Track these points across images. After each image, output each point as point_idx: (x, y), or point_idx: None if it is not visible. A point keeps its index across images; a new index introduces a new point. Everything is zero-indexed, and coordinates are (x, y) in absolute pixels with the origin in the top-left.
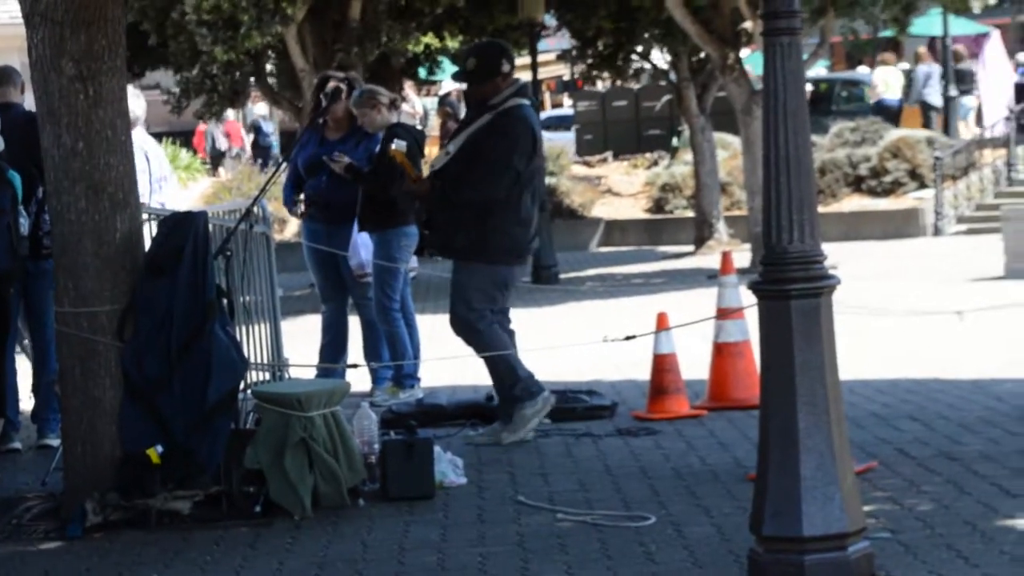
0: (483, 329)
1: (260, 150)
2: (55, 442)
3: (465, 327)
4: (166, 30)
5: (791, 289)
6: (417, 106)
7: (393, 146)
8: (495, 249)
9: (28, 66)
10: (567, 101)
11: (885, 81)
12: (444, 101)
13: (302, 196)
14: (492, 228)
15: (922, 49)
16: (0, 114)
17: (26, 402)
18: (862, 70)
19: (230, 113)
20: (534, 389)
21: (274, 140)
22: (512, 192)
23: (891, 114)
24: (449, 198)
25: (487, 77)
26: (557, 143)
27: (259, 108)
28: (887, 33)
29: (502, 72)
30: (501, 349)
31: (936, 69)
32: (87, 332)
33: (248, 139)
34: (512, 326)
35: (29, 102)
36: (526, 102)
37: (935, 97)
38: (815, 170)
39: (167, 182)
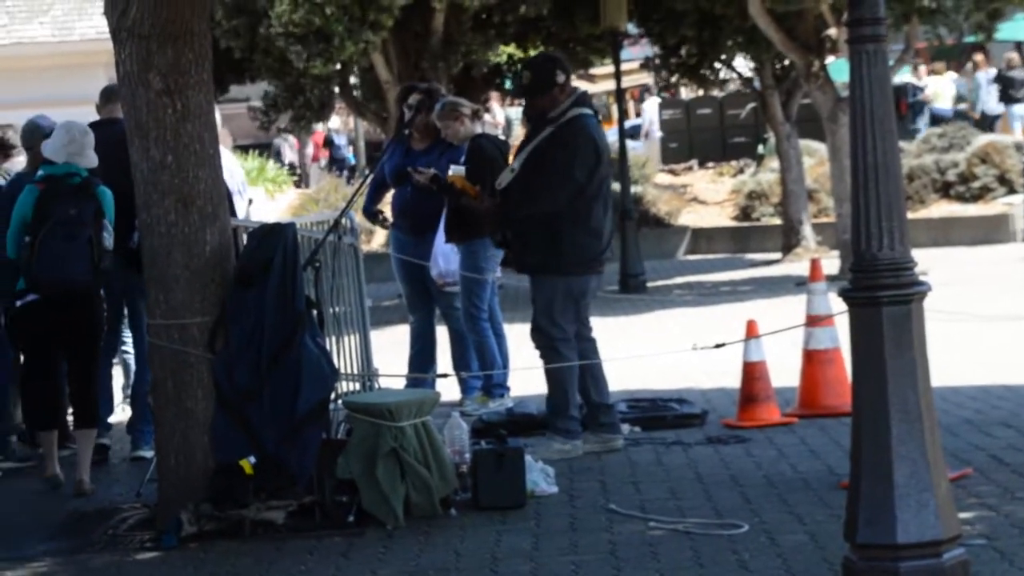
0: (563, 352)
1: (335, 162)
2: (148, 454)
3: (546, 341)
4: (256, 45)
5: (882, 296)
6: (499, 116)
7: (451, 172)
8: (567, 261)
9: (115, 81)
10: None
11: (936, 91)
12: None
13: (386, 210)
14: (562, 241)
15: (979, 56)
16: (104, 128)
17: (120, 412)
18: (949, 75)
19: (317, 125)
20: (574, 430)
21: (347, 152)
22: (579, 203)
23: (941, 124)
24: (512, 216)
25: (543, 90)
26: (641, 152)
27: (332, 122)
28: (971, 38)
29: (557, 83)
30: (567, 381)
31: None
32: (178, 344)
33: (314, 154)
34: (594, 334)
35: None
36: (588, 111)
37: (992, 104)
38: (903, 176)
39: (241, 196)
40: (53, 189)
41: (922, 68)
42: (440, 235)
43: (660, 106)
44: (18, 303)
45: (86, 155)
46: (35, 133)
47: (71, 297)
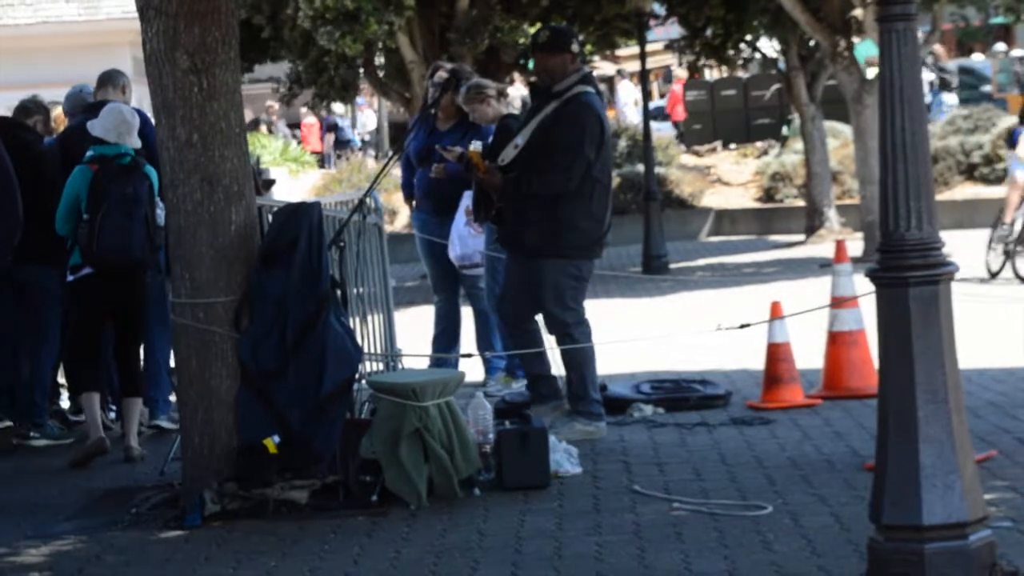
0: (577, 337)
1: (340, 144)
2: (166, 423)
3: (561, 328)
4: (281, 24)
5: (909, 276)
6: (513, 96)
7: (472, 146)
8: (568, 244)
9: (141, 60)
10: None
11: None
12: None
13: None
14: (563, 223)
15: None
16: (96, 111)
17: None
18: (976, 57)
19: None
20: (596, 412)
21: (352, 135)
22: (584, 185)
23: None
24: (520, 192)
25: (558, 50)
26: (665, 133)
27: (336, 107)
28: (998, 20)
29: (571, 51)
30: (584, 364)
31: None
32: (203, 323)
33: (329, 139)
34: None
35: (135, 102)
36: (591, 90)
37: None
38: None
39: None
40: (106, 169)
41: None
42: (460, 217)
43: (684, 87)
44: (71, 277)
45: (133, 136)
46: (79, 102)
47: (129, 272)
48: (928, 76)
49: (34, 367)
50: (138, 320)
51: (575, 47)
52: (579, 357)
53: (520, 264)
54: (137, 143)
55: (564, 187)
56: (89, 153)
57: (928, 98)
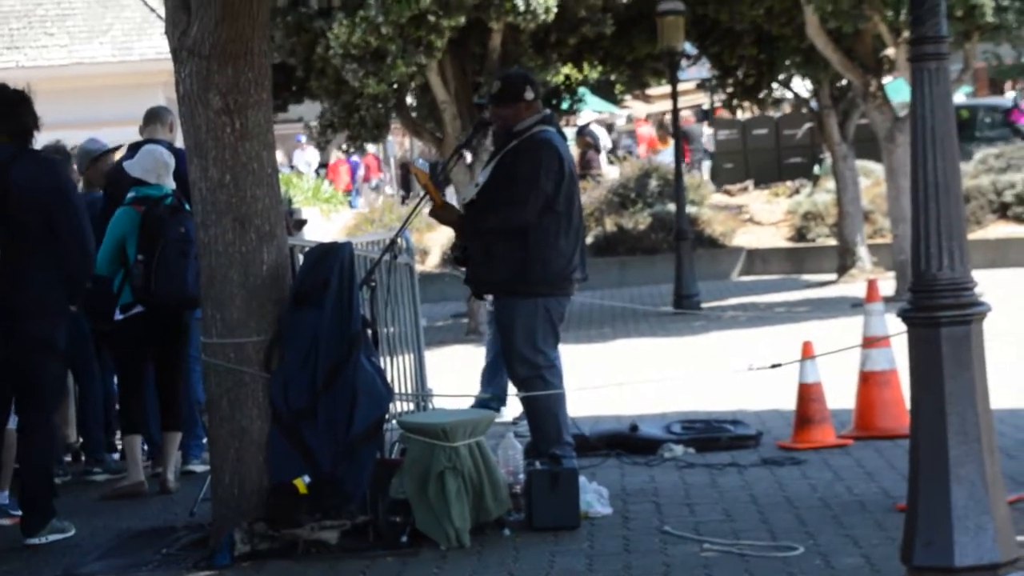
0: (549, 380)
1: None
2: (199, 468)
3: (532, 371)
4: (313, 65)
5: (941, 316)
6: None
7: (418, 163)
8: (535, 280)
9: (174, 101)
10: (706, 130)
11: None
12: (583, 131)
13: None
14: (529, 258)
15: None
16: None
17: None
18: (1009, 95)
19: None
20: (569, 455)
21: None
22: (548, 221)
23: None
24: (479, 227)
25: (509, 102)
26: (696, 173)
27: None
28: None
29: (524, 99)
30: (557, 407)
31: None
32: (234, 363)
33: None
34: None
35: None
36: (551, 129)
37: None
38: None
39: None
40: (154, 210)
41: None
42: None
43: (715, 126)
44: (121, 316)
45: (170, 177)
46: (86, 157)
47: (183, 308)
48: None
49: (85, 405)
50: (181, 355)
51: (528, 95)
52: (551, 401)
53: (500, 308)
54: (173, 184)
55: (522, 220)
56: (131, 194)
57: None
